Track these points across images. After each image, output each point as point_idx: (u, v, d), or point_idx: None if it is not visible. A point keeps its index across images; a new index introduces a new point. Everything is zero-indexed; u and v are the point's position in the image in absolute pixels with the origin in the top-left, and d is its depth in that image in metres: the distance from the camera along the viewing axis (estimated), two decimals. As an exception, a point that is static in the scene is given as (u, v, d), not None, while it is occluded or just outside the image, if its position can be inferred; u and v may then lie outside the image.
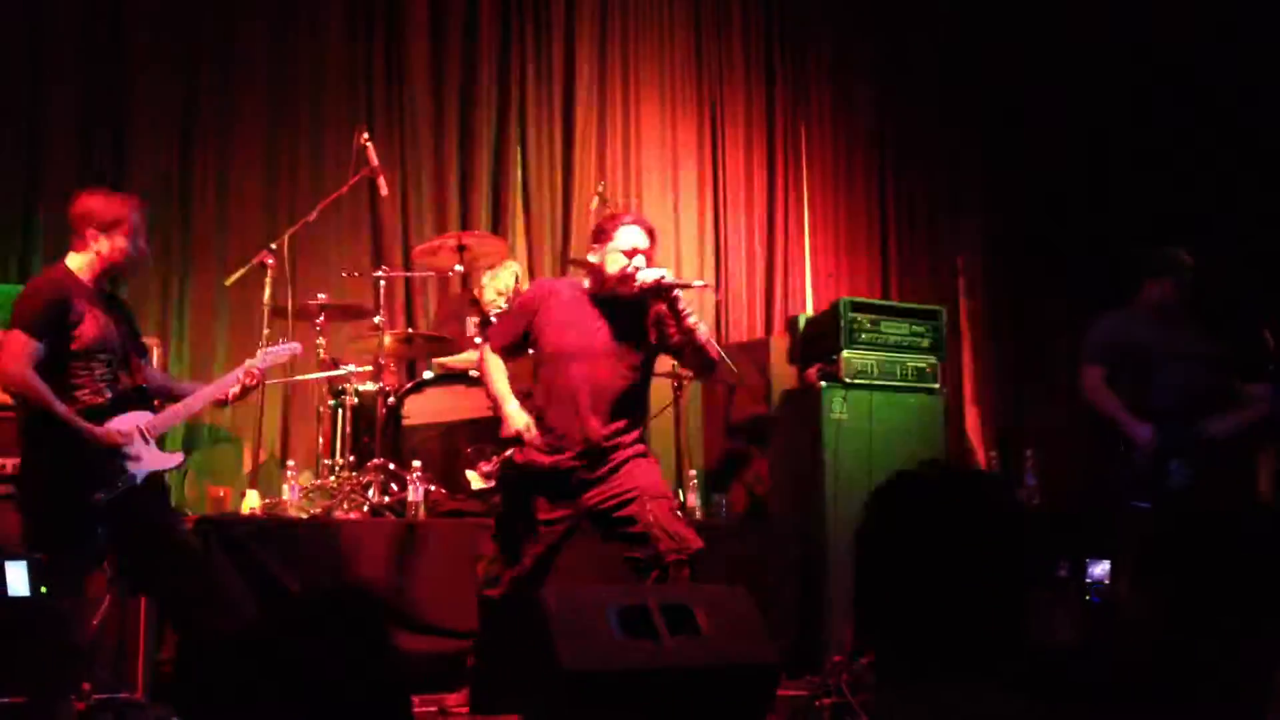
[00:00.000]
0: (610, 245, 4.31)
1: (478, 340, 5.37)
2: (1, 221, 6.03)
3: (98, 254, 4.12)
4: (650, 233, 4.40)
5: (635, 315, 4.37)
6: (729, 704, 3.67)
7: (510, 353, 4.48)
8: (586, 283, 4.45)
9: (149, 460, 4.12)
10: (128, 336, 4.26)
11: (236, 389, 4.36)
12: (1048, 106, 8.15)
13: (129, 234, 4.15)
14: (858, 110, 8.26)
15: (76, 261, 4.14)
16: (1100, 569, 4.14)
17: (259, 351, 4.60)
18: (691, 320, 4.27)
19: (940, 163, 8.35)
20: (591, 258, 4.40)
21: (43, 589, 3.82)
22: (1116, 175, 7.87)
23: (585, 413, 4.30)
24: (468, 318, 6.08)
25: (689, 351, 4.40)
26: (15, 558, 3.81)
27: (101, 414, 4.05)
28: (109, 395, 4.10)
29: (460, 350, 6.01)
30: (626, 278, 4.26)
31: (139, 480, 4.09)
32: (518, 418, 4.30)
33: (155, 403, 4.34)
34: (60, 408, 3.95)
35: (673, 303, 4.26)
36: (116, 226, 4.12)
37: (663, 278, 4.25)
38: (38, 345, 3.96)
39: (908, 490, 1.73)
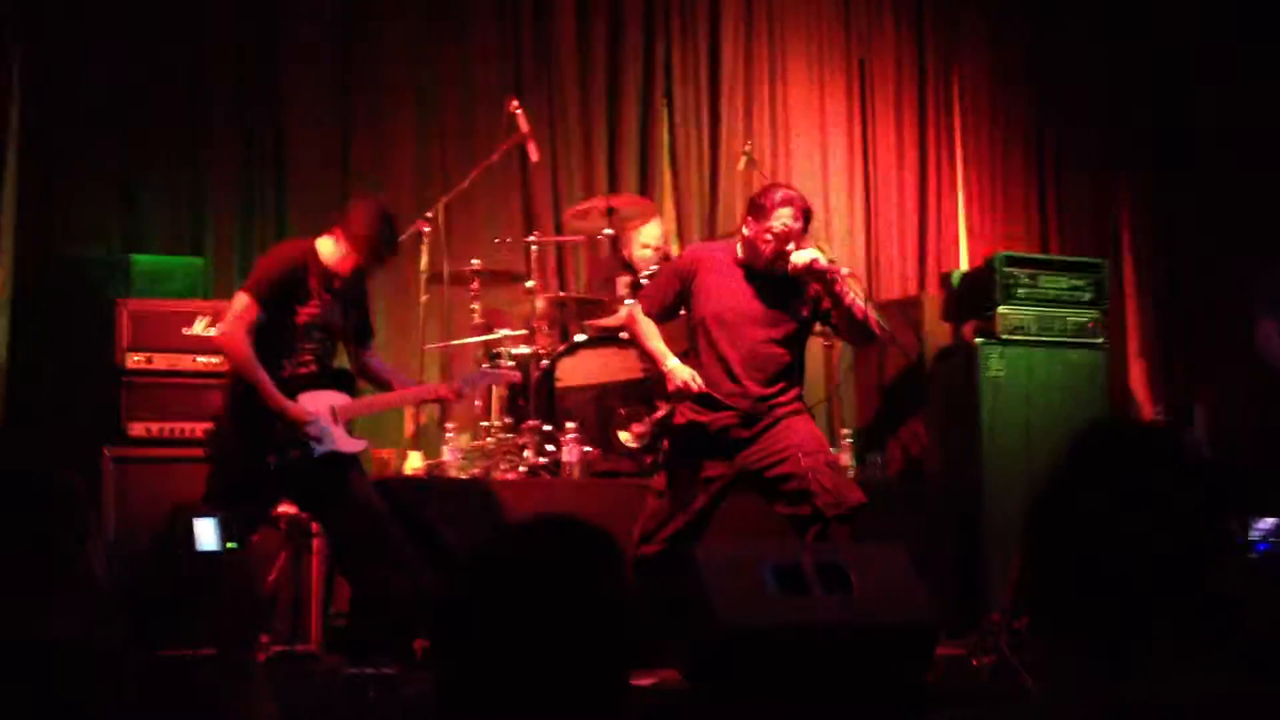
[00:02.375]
0: (763, 224, 4.34)
1: (628, 301, 5.41)
2: (174, 195, 6.27)
3: (337, 253, 4.34)
4: (804, 211, 4.41)
5: (791, 287, 4.43)
6: (886, 662, 3.67)
7: (662, 316, 4.53)
8: (740, 249, 4.44)
9: (332, 441, 4.30)
10: (353, 321, 4.48)
11: (449, 396, 4.57)
12: (1221, 61, 7.79)
13: (362, 256, 4.35)
14: (1014, 63, 8.02)
15: (325, 245, 4.38)
16: (1267, 524, 3.98)
17: (481, 367, 4.85)
18: (850, 298, 4.29)
19: (1103, 116, 8.05)
20: (745, 231, 4.40)
21: (230, 544, 4.03)
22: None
23: (742, 376, 4.35)
24: (618, 279, 6.13)
25: (845, 326, 4.41)
26: (204, 514, 4.02)
27: (301, 386, 4.26)
28: (313, 369, 4.30)
29: (611, 312, 6.06)
30: (781, 258, 4.31)
31: (317, 454, 4.27)
32: (680, 371, 4.37)
33: (360, 384, 4.57)
34: (260, 375, 4.15)
35: (829, 284, 4.28)
36: (355, 242, 4.33)
37: (816, 260, 4.29)
38: (259, 312, 4.18)
39: (1109, 441, 1.61)
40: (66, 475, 2.08)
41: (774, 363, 4.39)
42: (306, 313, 4.29)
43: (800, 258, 4.29)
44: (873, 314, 4.52)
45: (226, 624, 4.11)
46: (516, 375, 5.26)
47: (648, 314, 4.52)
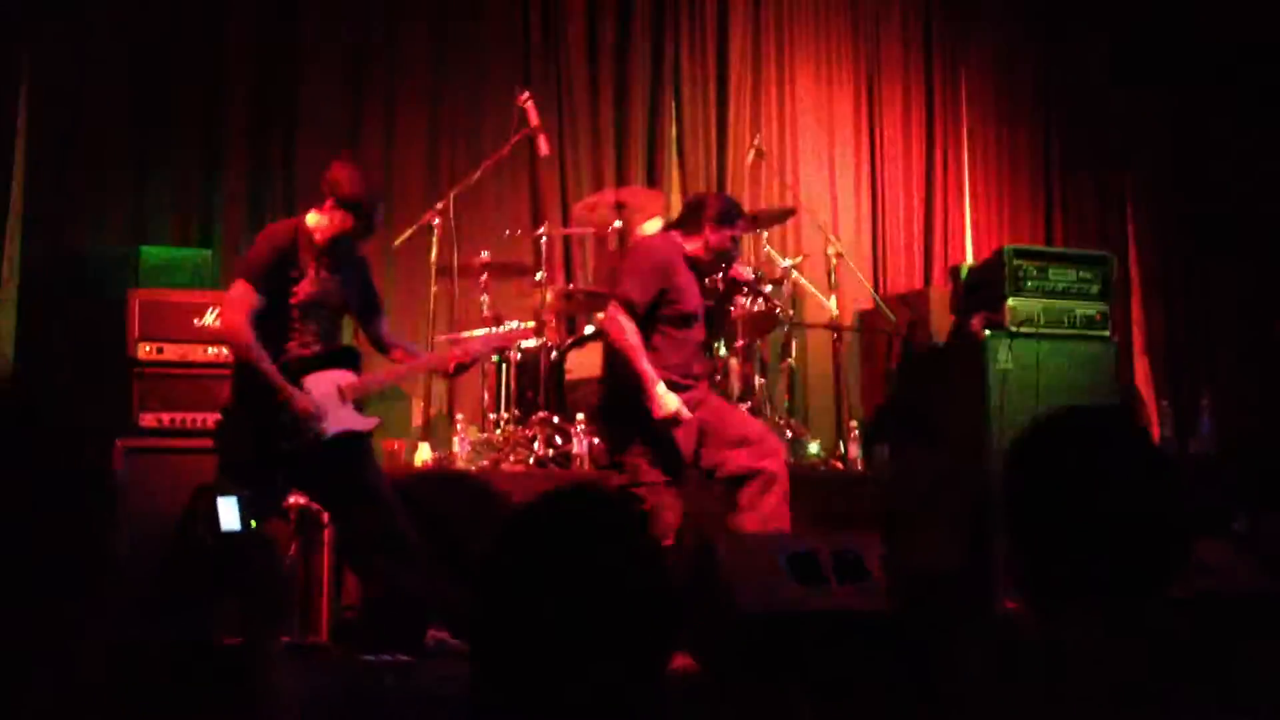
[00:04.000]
0: (728, 231, 4.66)
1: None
2: (184, 188, 6.28)
3: (329, 221, 4.29)
4: None
5: (702, 285, 4.79)
6: (901, 648, 3.68)
7: (643, 316, 4.53)
8: (688, 246, 4.67)
9: (342, 420, 4.26)
10: (356, 296, 4.42)
11: (451, 365, 4.53)
12: (1227, 62, 7.80)
13: (356, 216, 4.28)
14: (1020, 63, 8.04)
15: (314, 220, 4.32)
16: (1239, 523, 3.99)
17: (483, 331, 4.81)
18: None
19: (1107, 117, 8.07)
20: (703, 232, 4.66)
21: (252, 523, 4.02)
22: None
23: (697, 366, 4.69)
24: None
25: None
26: (226, 493, 4.01)
27: (306, 367, 4.23)
28: (317, 350, 4.26)
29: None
30: (726, 264, 4.77)
31: (328, 436, 4.24)
32: (670, 399, 4.43)
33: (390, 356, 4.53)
34: (264, 363, 4.12)
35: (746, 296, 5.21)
36: (350, 207, 4.27)
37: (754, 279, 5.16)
38: (256, 297, 4.14)
39: (1058, 429, 1.71)
40: None
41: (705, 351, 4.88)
42: (303, 290, 4.23)
43: (746, 272, 4.93)
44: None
45: (253, 606, 4.12)
46: (528, 332, 5.18)
47: (637, 314, 4.53)
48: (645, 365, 4.45)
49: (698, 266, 4.71)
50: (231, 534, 3.94)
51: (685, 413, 4.45)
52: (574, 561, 1.54)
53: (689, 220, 4.72)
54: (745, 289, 5.31)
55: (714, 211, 4.67)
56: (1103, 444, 1.63)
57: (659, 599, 1.57)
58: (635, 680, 1.53)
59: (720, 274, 4.85)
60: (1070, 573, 1.59)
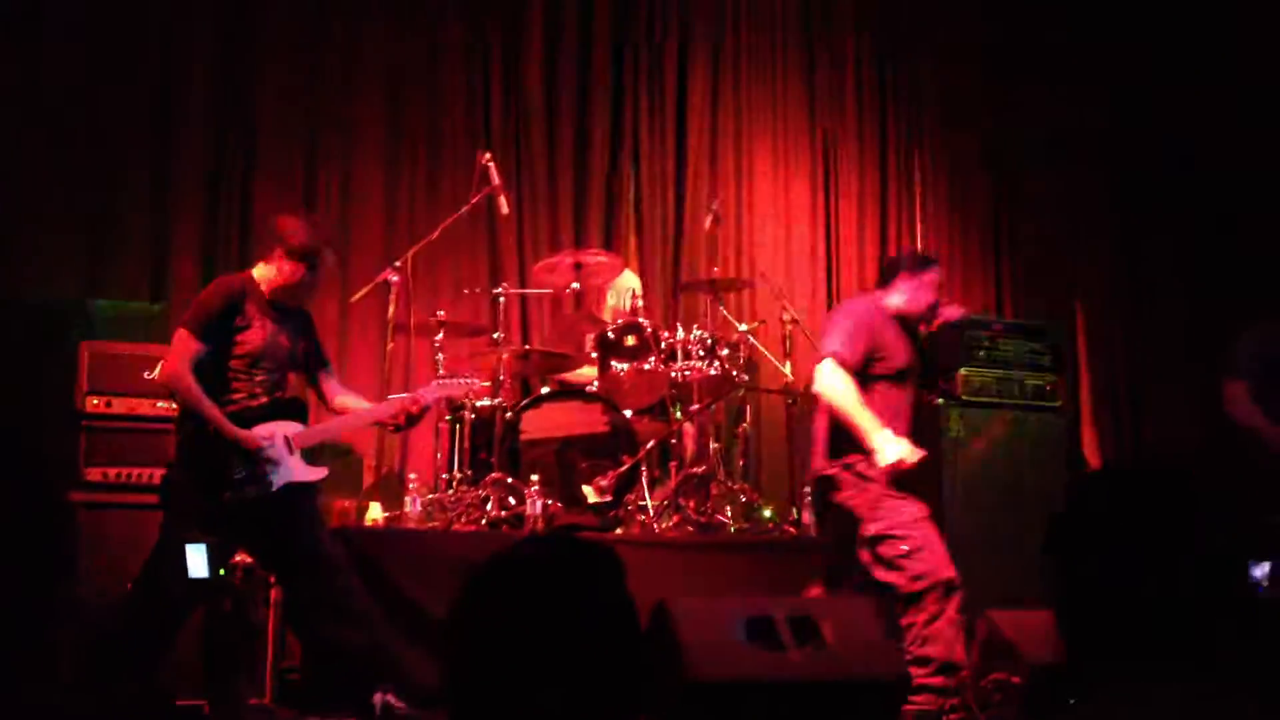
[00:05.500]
0: (925, 277, 4.69)
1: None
2: (137, 241, 6.24)
3: (278, 272, 4.28)
4: None
5: (915, 338, 4.76)
6: (855, 716, 3.66)
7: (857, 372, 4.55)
8: (893, 302, 4.69)
9: (289, 471, 4.22)
10: (302, 349, 4.40)
11: (401, 416, 4.48)
12: (1178, 143, 8.02)
13: (306, 269, 4.28)
14: (972, 145, 8.20)
15: (261, 271, 4.31)
16: (1260, 571, 4.03)
17: (433, 381, 4.76)
18: None
19: (1058, 198, 8.24)
20: (900, 292, 4.69)
21: (220, 571, 3.96)
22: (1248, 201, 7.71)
23: (906, 429, 4.54)
24: (585, 334, 6.14)
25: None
26: (195, 540, 3.94)
27: (252, 419, 4.19)
28: (263, 401, 4.23)
29: (575, 367, 6.07)
30: (932, 311, 4.75)
31: (273, 488, 4.20)
32: (898, 444, 4.37)
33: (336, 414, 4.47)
34: (208, 407, 4.09)
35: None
36: (300, 258, 4.25)
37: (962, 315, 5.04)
38: (199, 346, 4.12)
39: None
40: None
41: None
42: (250, 341, 4.22)
43: (954, 311, 4.89)
44: None
45: (220, 657, 4.04)
46: (477, 385, 5.12)
47: (850, 370, 4.48)
48: (863, 411, 4.37)
49: (906, 321, 4.71)
50: (199, 581, 3.87)
51: (912, 456, 4.36)
52: (546, 613, 1.52)
53: (888, 278, 4.77)
54: (956, 327, 5.28)
55: (910, 262, 4.77)
56: (1146, 504, 1.58)
57: (630, 654, 1.55)
58: None
59: (931, 320, 4.85)
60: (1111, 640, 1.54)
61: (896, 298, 4.69)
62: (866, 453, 4.38)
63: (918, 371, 4.75)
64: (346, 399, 4.57)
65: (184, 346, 4.15)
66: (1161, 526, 1.56)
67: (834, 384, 4.43)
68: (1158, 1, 8.05)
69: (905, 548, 4.30)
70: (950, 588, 4.26)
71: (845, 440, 4.46)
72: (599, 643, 1.53)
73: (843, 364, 4.45)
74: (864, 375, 4.51)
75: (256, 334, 4.23)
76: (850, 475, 4.49)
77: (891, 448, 4.33)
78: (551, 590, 1.55)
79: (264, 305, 4.27)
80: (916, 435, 4.57)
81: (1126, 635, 1.53)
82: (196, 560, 3.87)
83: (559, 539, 1.61)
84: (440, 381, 4.82)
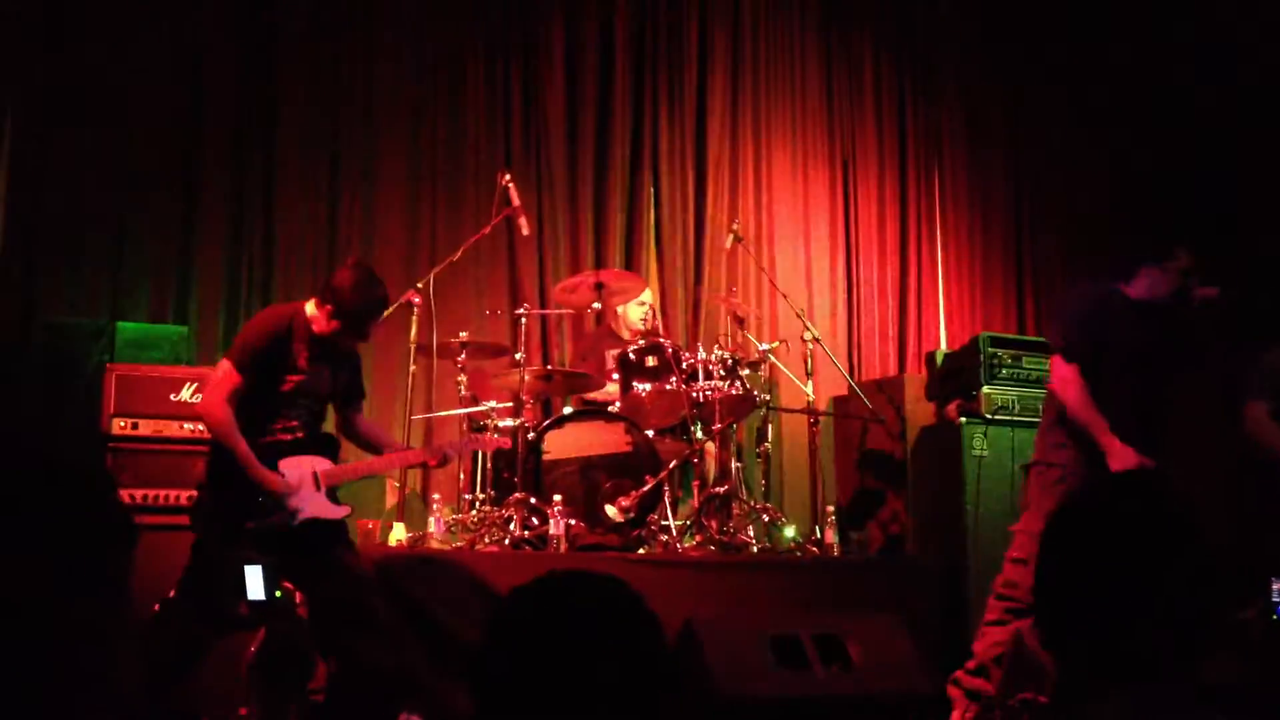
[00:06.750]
0: (1171, 265, 4.57)
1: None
2: (160, 263, 6.28)
3: (322, 320, 4.28)
4: None
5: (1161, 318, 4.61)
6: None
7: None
8: (1133, 291, 4.60)
9: (313, 508, 4.24)
10: (343, 385, 4.43)
11: (433, 459, 4.51)
12: (1186, 153, 8.00)
13: (344, 330, 4.30)
14: (992, 150, 8.20)
15: (312, 309, 4.32)
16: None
17: (462, 435, 4.79)
18: None
19: (1078, 205, 8.22)
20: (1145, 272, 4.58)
21: (278, 593, 3.97)
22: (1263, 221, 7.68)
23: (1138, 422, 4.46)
24: (606, 352, 6.15)
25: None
26: (252, 562, 3.95)
27: (284, 452, 4.21)
28: (299, 435, 4.25)
29: (598, 386, 6.08)
30: (1189, 293, 4.60)
31: (295, 523, 4.21)
32: (1128, 454, 4.31)
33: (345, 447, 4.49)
34: (238, 443, 4.10)
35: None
36: (344, 317, 4.27)
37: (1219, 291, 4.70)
38: (239, 380, 4.13)
39: (1097, 500, 1.71)
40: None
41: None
42: (292, 380, 4.24)
43: (1210, 290, 4.64)
44: None
45: (274, 677, 4.04)
46: (504, 441, 5.20)
47: (1078, 364, 4.45)
48: (1095, 416, 4.34)
49: (1152, 306, 4.61)
50: (259, 603, 3.88)
51: (1141, 460, 4.27)
52: (572, 648, 1.53)
53: (1119, 266, 4.70)
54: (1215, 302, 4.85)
55: (1149, 251, 4.65)
56: (1128, 523, 1.61)
57: (659, 686, 1.55)
58: None
59: (1188, 301, 4.69)
60: (1097, 655, 1.57)
61: (1138, 286, 4.64)
62: None
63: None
64: (374, 434, 4.61)
65: (224, 378, 4.17)
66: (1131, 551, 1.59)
67: (1065, 381, 4.49)
68: (1180, 6, 8.04)
69: None
70: None
71: None
72: (627, 669, 1.53)
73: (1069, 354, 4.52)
74: (1096, 371, 4.53)
75: (300, 371, 4.26)
76: None
77: (1125, 450, 4.36)
78: (578, 619, 1.56)
79: (310, 341, 4.29)
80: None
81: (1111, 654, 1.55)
82: (254, 582, 3.88)
83: (578, 572, 1.62)
84: (468, 436, 4.85)
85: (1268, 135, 7.57)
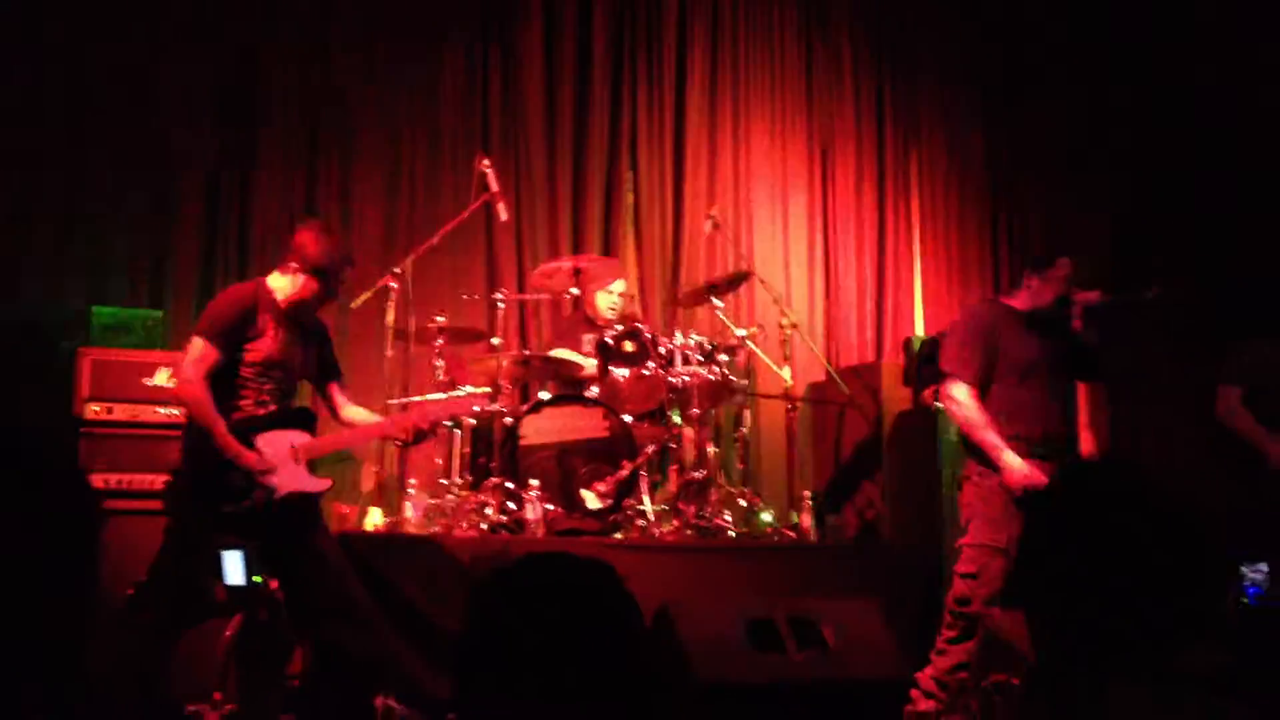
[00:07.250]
0: (1053, 274, 4.72)
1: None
2: (137, 248, 6.24)
3: (293, 285, 4.28)
4: None
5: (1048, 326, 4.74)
6: (857, 717, 3.67)
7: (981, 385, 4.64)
8: (1017, 304, 4.76)
9: (293, 481, 4.22)
10: (314, 359, 4.41)
11: (410, 433, 4.47)
12: (1169, 146, 8.03)
13: (321, 285, 4.29)
14: (969, 137, 8.22)
15: (277, 281, 4.32)
16: (1260, 571, 4.05)
17: (439, 395, 4.75)
18: None
19: (1057, 191, 8.25)
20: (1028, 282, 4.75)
21: (257, 578, 3.96)
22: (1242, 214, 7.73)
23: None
24: (583, 335, 6.15)
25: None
26: (230, 547, 3.94)
27: (260, 427, 4.19)
28: (271, 409, 4.24)
29: (576, 371, 6.07)
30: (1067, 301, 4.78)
31: (276, 498, 4.20)
32: (1022, 467, 4.44)
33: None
34: (217, 424, 4.09)
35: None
36: (316, 273, 4.26)
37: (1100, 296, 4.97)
38: (216, 355, 4.12)
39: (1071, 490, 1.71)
40: None
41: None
42: (261, 349, 4.22)
43: (1091, 296, 4.89)
44: None
45: (254, 666, 4.03)
46: (483, 397, 5.12)
47: (972, 382, 4.60)
48: (989, 436, 4.50)
49: (1036, 316, 4.73)
50: (237, 589, 3.87)
51: (1036, 476, 4.40)
52: (553, 628, 1.54)
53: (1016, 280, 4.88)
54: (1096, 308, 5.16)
55: (1031, 261, 4.83)
56: (1114, 503, 1.62)
57: (639, 667, 1.56)
58: None
59: (1069, 311, 4.89)
60: (1082, 638, 1.56)
61: (1020, 299, 4.79)
62: None
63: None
64: (355, 412, 4.58)
65: (201, 357, 4.15)
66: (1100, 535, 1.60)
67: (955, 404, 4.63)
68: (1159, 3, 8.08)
69: None
70: None
71: None
72: (607, 650, 1.54)
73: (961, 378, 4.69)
74: (989, 380, 4.70)
75: (268, 342, 4.24)
76: None
77: (1018, 463, 4.52)
78: (558, 602, 1.56)
79: (277, 314, 4.28)
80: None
81: (1093, 638, 1.56)
82: (233, 566, 3.87)
83: (557, 554, 1.62)
84: (446, 395, 4.80)
85: (1228, 133, 7.62)
